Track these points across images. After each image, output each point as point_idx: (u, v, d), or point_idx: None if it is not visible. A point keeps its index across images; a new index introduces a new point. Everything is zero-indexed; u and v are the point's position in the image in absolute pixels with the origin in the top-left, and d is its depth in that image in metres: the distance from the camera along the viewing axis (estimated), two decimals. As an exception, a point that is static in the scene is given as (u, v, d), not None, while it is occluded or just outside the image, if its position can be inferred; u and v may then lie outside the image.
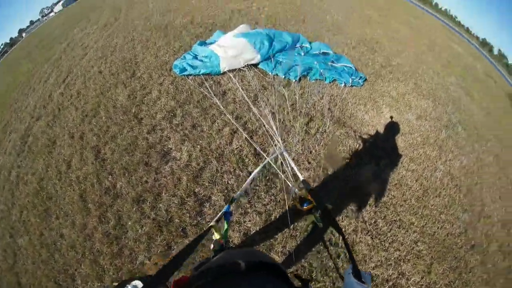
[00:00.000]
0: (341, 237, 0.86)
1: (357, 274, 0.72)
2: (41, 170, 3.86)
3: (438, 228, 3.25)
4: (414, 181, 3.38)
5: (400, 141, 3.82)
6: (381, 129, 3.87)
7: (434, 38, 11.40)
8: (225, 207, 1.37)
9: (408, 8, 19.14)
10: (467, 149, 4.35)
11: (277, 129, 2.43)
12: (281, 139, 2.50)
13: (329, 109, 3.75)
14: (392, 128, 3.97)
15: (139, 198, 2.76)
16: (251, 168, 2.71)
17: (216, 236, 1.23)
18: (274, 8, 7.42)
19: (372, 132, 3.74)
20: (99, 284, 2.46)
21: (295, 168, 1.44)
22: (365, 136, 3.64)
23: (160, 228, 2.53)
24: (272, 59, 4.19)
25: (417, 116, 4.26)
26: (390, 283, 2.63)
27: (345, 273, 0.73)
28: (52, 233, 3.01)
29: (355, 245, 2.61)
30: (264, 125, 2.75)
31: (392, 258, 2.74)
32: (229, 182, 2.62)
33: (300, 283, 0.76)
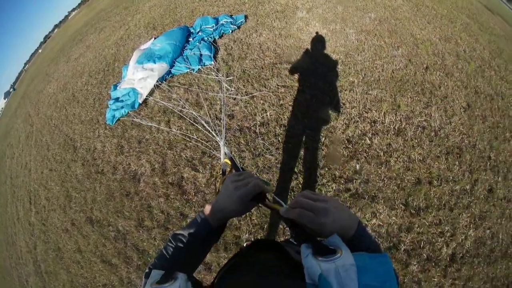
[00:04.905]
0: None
1: (320, 248, 0.56)
2: (66, 277, 4.73)
3: (379, 71, 3.89)
4: (331, 53, 4.14)
5: (300, 34, 4.58)
6: (280, 40, 4.64)
7: None
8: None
9: None
10: (369, 7, 5.03)
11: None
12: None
13: (228, 54, 4.59)
14: (289, 30, 4.72)
15: (139, 221, 3.61)
16: (196, 135, 3.60)
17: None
18: (147, 16, 8.14)
19: (274, 45, 4.55)
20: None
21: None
22: (268, 53, 4.44)
23: (167, 228, 3.39)
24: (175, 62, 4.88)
25: (307, 11, 5.03)
26: (369, 134, 3.34)
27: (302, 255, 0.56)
28: (104, 313, 3.79)
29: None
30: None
31: (354, 115, 3.42)
32: (186, 156, 3.48)
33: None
